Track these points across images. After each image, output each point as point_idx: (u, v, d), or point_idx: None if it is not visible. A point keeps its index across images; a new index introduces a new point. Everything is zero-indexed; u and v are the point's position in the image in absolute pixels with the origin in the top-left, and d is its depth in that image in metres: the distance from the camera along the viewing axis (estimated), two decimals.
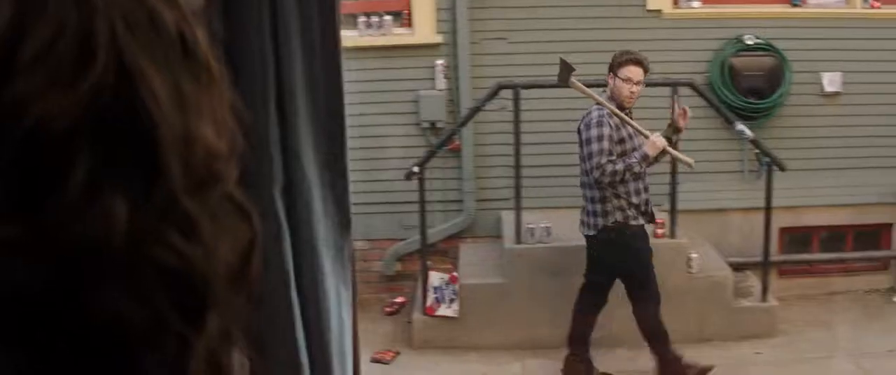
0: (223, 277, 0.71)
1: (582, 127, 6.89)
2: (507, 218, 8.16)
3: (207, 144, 0.69)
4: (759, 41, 8.72)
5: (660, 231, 7.68)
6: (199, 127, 0.69)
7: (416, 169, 7.71)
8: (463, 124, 8.15)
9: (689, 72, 8.43)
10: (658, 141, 6.77)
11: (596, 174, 6.65)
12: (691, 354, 7.26)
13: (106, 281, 0.65)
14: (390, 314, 8.60)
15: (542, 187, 8.24)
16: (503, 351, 7.57)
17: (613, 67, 6.98)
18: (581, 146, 6.88)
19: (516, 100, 7.65)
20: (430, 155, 7.95)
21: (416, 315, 7.88)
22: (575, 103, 7.61)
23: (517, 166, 7.76)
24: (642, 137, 6.83)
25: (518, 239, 7.72)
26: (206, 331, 0.70)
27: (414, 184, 7.81)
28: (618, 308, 7.18)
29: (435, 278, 7.76)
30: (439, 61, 8.61)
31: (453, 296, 7.70)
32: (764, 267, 8.01)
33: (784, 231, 8.84)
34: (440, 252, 8.72)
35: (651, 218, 6.96)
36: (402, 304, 8.70)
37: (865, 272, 9.04)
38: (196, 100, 0.70)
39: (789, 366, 7.33)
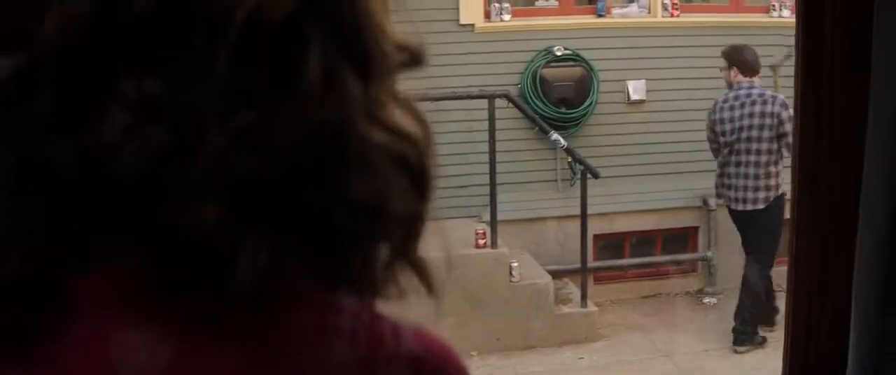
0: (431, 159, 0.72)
1: (780, 108, 7.43)
2: None
3: (395, 33, 0.71)
4: (567, 52, 8.90)
5: (481, 241, 7.74)
6: (388, 17, 0.70)
7: None
8: None
9: (503, 83, 8.52)
10: None
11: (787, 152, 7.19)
12: (517, 362, 7.35)
13: (350, 168, 0.65)
14: None
15: None
16: None
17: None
18: (760, 127, 7.46)
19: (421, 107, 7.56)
20: None
21: None
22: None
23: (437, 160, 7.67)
24: None
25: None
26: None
27: None
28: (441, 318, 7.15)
29: None
30: None
31: None
32: (583, 273, 8.15)
33: (597, 237, 9.03)
34: None
35: None
36: None
37: (675, 275, 9.31)
38: None
39: (611, 369, 7.49)
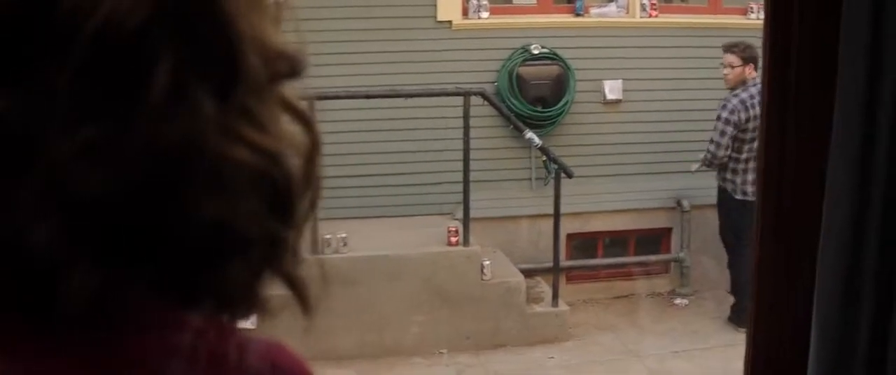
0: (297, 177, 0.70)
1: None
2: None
3: (276, 42, 0.68)
4: (544, 50, 8.88)
5: (453, 239, 7.73)
6: (266, 23, 0.67)
7: None
8: None
9: (479, 81, 8.51)
10: None
11: None
12: (487, 360, 7.36)
13: (197, 185, 0.62)
14: None
15: (337, 198, 8.15)
16: None
17: None
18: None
19: (311, 111, 7.50)
20: None
21: None
22: (370, 114, 7.61)
23: (320, 166, 7.63)
24: None
25: (314, 250, 7.61)
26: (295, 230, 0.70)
27: None
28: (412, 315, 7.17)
29: None
30: None
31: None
32: (555, 272, 8.15)
33: (571, 237, 9.03)
34: None
35: None
36: None
37: (647, 276, 9.32)
38: None
39: (581, 369, 7.49)
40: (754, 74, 7.79)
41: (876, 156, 2.21)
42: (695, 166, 8.29)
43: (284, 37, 0.69)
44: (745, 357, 2.54)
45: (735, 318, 7.96)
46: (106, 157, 0.59)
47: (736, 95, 7.94)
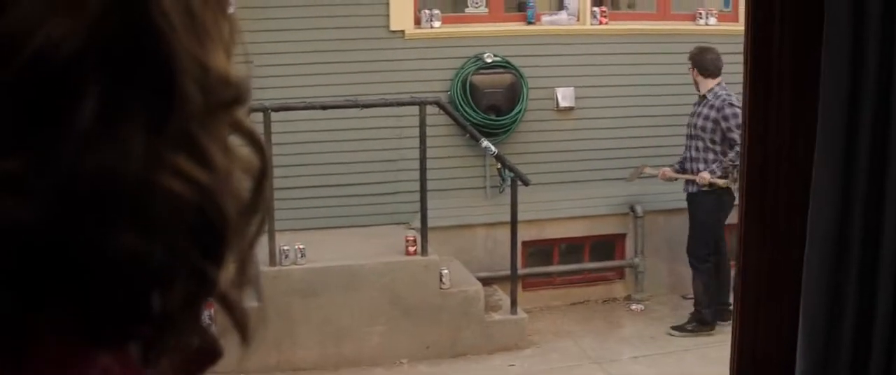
0: (238, 207, 0.67)
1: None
2: (260, 240, 7.98)
3: (220, 69, 0.65)
4: (497, 59, 8.91)
5: (411, 248, 7.72)
6: (210, 50, 0.65)
7: None
8: None
9: (433, 90, 8.52)
10: None
11: None
12: (448, 369, 7.36)
13: (119, 217, 0.60)
14: None
15: (295, 209, 8.12)
16: None
17: None
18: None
19: (267, 122, 7.49)
20: None
21: None
22: (327, 124, 7.61)
23: (269, 188, 7.59)
24: None
25: (272, 262, 7.58)
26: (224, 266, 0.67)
27: None
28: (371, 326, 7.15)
29: None
30: None
31: (208, 322, 7.47)
32: (512, 280, 8.16)
33: (526, 244, 9.05)
34: None
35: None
36: None
37: (603, 282, 9.37)
38: (204, 20, 0.65)
39: None
40: (701, 79, 8.08)
41: (859, 154, 2.24)
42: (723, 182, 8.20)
43: (230, 63, 0.68)
44: (731, 357, 2.56)
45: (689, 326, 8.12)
46: (23, 189, 0.57)
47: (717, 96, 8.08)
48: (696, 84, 8.22)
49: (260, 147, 0.70)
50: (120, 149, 0.59)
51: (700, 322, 8.01)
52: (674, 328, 8.15)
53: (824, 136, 2.26)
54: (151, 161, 0.61)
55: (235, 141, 0.69)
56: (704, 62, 8.14)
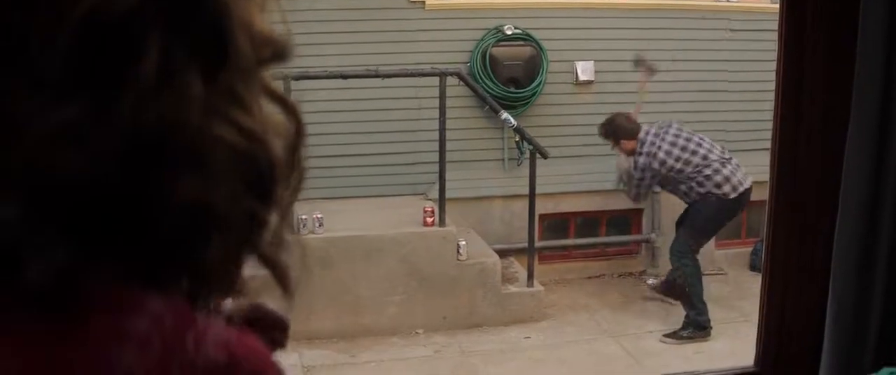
0: (280, 161, 0.70)
1: None
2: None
3: (262, 28, 0.69)
4: (517, 31, 8.89)
5: (429, 219, 7.73)
6: (253, 10, 0.68)
7: None
8: None
9: (453, 61, 8.50)
10: None
11: None
12: (463, 340, 7.39)
13: (180, 165, 0.63)
14: None
15: (313, 178, 8.10)
16: None
17: None
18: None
19: (287, 91, 7.48)
20: None
21: None
22: (344, 93, 7.59)
23: (306, 149, 7.62)
24: None
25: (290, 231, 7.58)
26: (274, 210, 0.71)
27: None
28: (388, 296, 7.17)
29: None
30: None
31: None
32: (530, 253, 8.16)
33: (543, 217, 9.04)
34: None
35: None
36: None
37: (619, 256, 9.37)
38: None
39: (557, 349, 7.52)
40: (630, 143, 7.98)
41: (893, 133, 2.23)
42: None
43: (269, 23, 0.70)
44: (758, 335, 2.57)
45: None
46: (85, 138, 0.59)
47: (640, 154, 7.96)
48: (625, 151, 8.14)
49: (294, 111, 0.73)
50: (179, 99, 0.61)
51: (696, 327, 7.75)
52: (666, 335, 7.82)
53: (857, 114, 2.25)
54: (208, 110, 0.63)
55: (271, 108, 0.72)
56: (622, 128, 8.10)
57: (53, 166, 0.59)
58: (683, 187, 7.89)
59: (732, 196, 7.75)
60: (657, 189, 8.93)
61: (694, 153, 7.80)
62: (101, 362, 0.63)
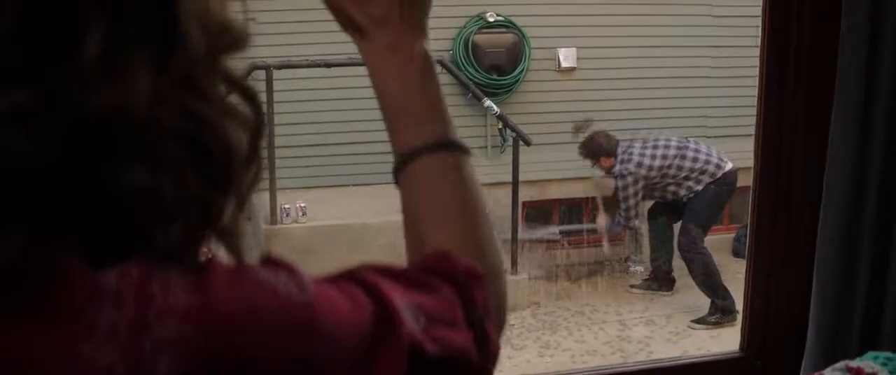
0: (237, 150, 0.70)
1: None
2: (261, 198, 8.00)
3: (219, 16, 0.68)
4: (499, 18, 8.89)
5: None
6: None
7: None
8: None
9: (435, 50, 8.31)
10: None
11: None
12: None
13: (127, 151, 0.62)
14: None
15: (296, 167, 8.12)
16: None
17: None
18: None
19: (269, 80, 7.47)
20: None
21: None
22: (326, 82, 7.57)
23: (271, 147, 7.61)
24: None
25: (272, 220, 7.58)
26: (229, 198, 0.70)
27: None
28: None
29: None
30: None
31: None
32: (513, 241, 8.16)
33: (526, 204, 9.06)
34: None
35: None
36: None
37: (602, 243, 9.37)
38: None
39: (544, 337, 7.53)
40: (610, 159, 8.07)
41: (876, 119, 2.23)
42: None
43: (229, 10, 0.70)
44: (743, 318, 2.57)
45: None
46: (33, 124, 0.58)
47: (623, 162, 8.03)
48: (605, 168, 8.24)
49: (254, 99, 0.72)
50: (127, 85, 0.61)
51: (724, 312, 7.80)
52: (694, 321, 7.87)
53: (841, 100, 2.25)
54: (157, 97, 0.63)
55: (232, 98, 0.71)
56: (602, 147, 8.17)
57: (3, 151, 0.58)
58: (673, 188, 7.92)
59: (720, 174, 7.80)
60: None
61: (677, 156, 7.87)
62: (81, 328, 0.62)
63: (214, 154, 0.67)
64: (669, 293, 8.25)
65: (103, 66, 0.60)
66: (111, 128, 0.61)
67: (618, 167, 7.92)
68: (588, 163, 8.34)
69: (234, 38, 0.70)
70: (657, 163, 7.85)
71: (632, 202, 8.04)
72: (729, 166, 7.81)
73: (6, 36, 0.57)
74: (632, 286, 8.41)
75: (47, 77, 0.59)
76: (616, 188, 8.02)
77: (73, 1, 0.59)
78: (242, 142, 0.70)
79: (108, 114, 0.60)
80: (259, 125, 0.72)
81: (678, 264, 8.16)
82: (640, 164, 7.85)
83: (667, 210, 8.20)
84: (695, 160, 7.81)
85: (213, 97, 0.68)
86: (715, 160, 7.82)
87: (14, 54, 0.58)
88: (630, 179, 7.90)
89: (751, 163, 2.50)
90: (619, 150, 7.98)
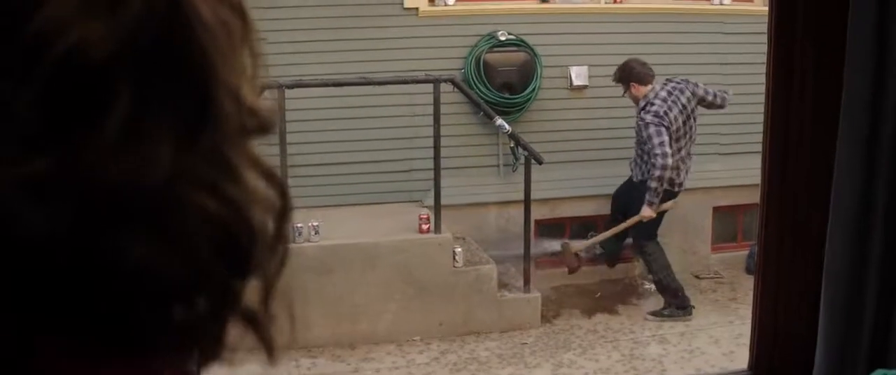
0: (263, 234, 0.66)
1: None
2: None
3: (249, 98, 0.66)
4: (511, 37, 8.90)
5: (425, 226, 7.74)
6: (242, 77, 0.65)
7: None
8: None
9: (447, 68, 8.51)
10: None
11: None
12: (462, 346, 7.39)
13: (137, 227, 0.59)
14: None
15: (308, 186, 8.13)
16: None
17: None
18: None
19: (281, 99, 7.49)
20: None
21: None
22: (341, 101, 7.60)
23: (283, 166, 7.63)
24: None
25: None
26: (248, 283, 0.67)
27: None
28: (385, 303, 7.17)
29: None
30: None
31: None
32: (526, 259, 8.16)
33: (539, 223, 9.05)
34: None
35: None
36: None
37: (616, 261, 9.36)
38: (239, 51, 0.65)
39: (556, 355, 7.52)
40: (641, 88, 8.21)
41: (882, 136, 2.23)
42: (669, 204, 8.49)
43: (257, 94, 0.68)
44: (751, 333, 2.57)
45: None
46: (45, 195, 0.56)
47: (651, 102, 8.13)
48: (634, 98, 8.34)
49: (280, 185, 0.70)
50: (145, 158, 0.58)
51: (678, 306, 8.09)
52: (651, 313, 8.26)
53: (848, 115, 2.25)
54: (179, 173, 0.60)
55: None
56: (634, 71, 8.27)
57: (14, 223, 0.55)
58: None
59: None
60: None
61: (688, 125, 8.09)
62: None
63: (238, 236, 0.64)
64: (688, 317, 8.18)
65: (122, 140, 0.57)
66: (120, 202, 0.58)
67: (649, 114, 8.10)
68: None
69: (262, 122, 0.68)
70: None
71: (664, 155, 8.10)
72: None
73: (32, 102, 0.55)
74: (650, 313, 8.36)
75: (67, 146, 0.56)
76: (647, 149, 8.19)
77: (103, 71, 0.56)
78: (268, 226, 0.68)
79: (118, 187, 0.58)
80: (285, 210, 0.69)
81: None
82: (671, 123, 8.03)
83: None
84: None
85: (241, 179, 0.65)
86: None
87: (38, 121, 0.55)
88: (658, 132, 8.06)
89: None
90: (657, 94, 8.14)
